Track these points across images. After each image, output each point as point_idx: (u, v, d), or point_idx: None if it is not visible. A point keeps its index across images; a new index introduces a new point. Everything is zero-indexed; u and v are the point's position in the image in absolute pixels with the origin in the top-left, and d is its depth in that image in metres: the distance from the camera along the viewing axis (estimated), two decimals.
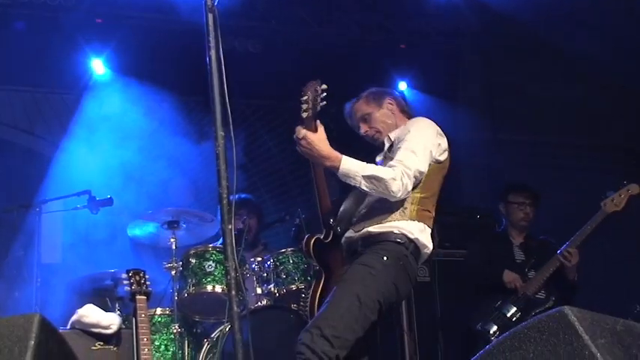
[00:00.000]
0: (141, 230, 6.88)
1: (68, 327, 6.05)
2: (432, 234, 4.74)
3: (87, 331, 6.02)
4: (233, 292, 3.57)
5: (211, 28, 3.78)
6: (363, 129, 5.03)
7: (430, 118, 4.92)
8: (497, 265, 7.11)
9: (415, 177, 4.51)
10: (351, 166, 4.44)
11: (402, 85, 10.06)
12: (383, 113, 5.01)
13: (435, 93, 9.91)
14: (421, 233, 4.63)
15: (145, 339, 5.90)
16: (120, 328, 6.16)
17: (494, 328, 6.80)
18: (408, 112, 5.10)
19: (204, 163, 8.25)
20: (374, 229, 4.60)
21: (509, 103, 9.98)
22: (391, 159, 4.61)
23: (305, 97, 4.48)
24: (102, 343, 6.05)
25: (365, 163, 4.51)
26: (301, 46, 9.24)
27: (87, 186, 7.18)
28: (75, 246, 8.13)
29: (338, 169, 4.44)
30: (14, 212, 7.24)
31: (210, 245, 6.83)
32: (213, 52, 3.73)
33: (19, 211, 7.23)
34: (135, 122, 8.46)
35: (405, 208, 4.60)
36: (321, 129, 4.52)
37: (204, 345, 6.54)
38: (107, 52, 8.92)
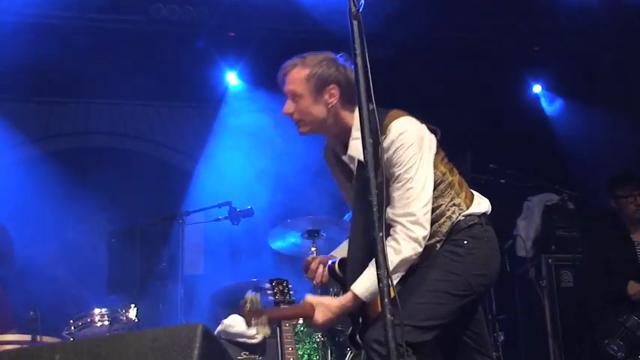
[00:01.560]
0: (282, 242, 6.92)
1: None
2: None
3: (233, 341, 6.11)
4: (386, 300, 3.51)
5: (356, 35, 3.73)
6: (288, 108, 4.21)
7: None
8: (620, 272, 6.89)
9: (425, 213, 3.96)
10: (369, 286, 3.91)
11: (537, 88, 9.89)
12: (318, 107, 4.15)
13: (571, 94, 9.70)
14: (479, 206, 4.20)
15: (290, 348, 5.89)
16: (264, 338, 6.21)
17: (622, 346, 6.55)
18: (353, 96, 3.91)
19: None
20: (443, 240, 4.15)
21: None
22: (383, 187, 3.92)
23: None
24: (247, 353, 6.13)
25: (370, 271, 3.89)
26: (432, 51, 9.17)
27: (227, 197, 7.29)
28: (217, 257, 8.26)
29: (362, 300, 3.97)
30: (159, 225, 7.42)
31: None
32: (359, 60, 3.68)
33: (163, 224, 7.39)
34: (270, 132, 8.54)
35: (458, 203, 4.15)
36: (304, 306, 4.09)
37: (347, 354, 6.52)
38: (240, 64, 9.07)
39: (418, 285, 4.04)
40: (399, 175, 3.99)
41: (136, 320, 6.39)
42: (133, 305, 6.45)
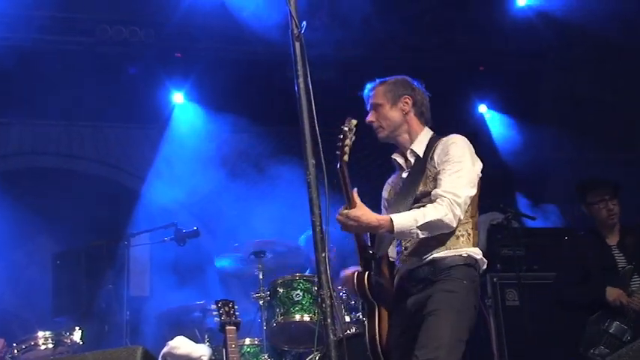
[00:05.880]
0: (228, 262, 6.89)
1: (159, 359, 6.07)
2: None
3: None
4: (329, 321, 3.52)
5: (299, 56, 3.76)
6: (370, 117, 4.82)
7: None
8: (598, 278, 6.60)
9: (465, 203, 4.41)
10: (404, 223, 4.33)
11: (483, 108, 9.96)
12: (394, 112, 4.78)
13: (517, 114, 9.78)
14: (481, 255, 4.57)
15: None
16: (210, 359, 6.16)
17: (608, 353, 6.38)
18: (427, 116, 4.85)
19: (287, 191, 8.28)
20: (442, 254, 4.48)
21: (593, 120, 9.77)
22: (430, 182, 4.55)
23: (344, 138, 4.39)
24: None
25: (412, 212, 4.41)
26: (379, 71, 9.19)
27: (173, 218, 7.27)
28: (163, 278, 8.20)
29: (392, 231, 4.33)
30: (103, 246, 7.36)
31: (298, 274, 6.78)
32: (301, 81, 3.70)
33: (108, 245, 7.34)
34: (217, 153, 8.54)
35: (470, 235, 4.54)
36: (358, 199, 4.37)
37: None
38: (187, 85, 9.05)
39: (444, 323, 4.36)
40: (450, 163, 4.49)
41: (81, 343, 6.30)
42: (77, 328, 6.36)
